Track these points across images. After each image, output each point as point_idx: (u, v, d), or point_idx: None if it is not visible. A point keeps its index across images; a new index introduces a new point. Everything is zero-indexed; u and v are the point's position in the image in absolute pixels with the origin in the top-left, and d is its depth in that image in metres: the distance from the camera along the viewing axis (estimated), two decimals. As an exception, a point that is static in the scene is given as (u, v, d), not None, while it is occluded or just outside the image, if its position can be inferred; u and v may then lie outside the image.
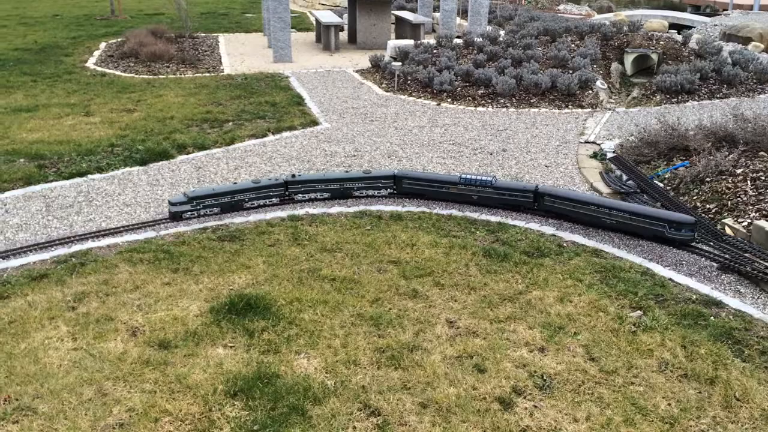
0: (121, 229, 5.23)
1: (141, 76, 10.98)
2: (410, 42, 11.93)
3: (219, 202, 5.43)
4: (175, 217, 5.35)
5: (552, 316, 4.02)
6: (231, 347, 3.72)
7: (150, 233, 5.18)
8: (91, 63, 11.92)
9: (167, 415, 3.17)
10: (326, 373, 3.51)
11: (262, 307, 4.07)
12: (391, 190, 5.89)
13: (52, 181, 6.23)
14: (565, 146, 7.43)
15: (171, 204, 5.35)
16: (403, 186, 5.85)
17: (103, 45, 13.68)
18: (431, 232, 5.22)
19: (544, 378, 3.46)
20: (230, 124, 8.13)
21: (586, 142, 7.54)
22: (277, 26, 11.93)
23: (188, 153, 7.08)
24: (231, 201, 5.47)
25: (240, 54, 12.96)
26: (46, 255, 4.80)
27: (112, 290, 4.30)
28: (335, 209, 5.71)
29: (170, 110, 8.63)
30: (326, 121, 8.31)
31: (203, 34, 15.11)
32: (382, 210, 5.69)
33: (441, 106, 9.10)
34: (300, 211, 5.64)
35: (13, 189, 6.03)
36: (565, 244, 5.03)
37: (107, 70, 11.34)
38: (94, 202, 5.76)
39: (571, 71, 9.61)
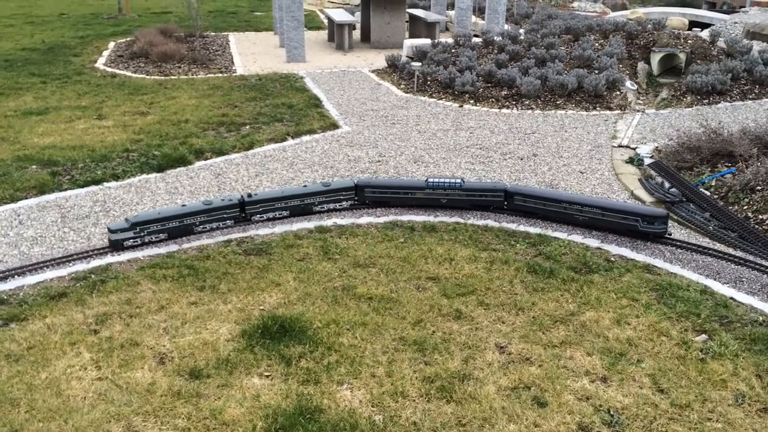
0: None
1: (152, 76, 10.70)
2: (427, 41, 11.63)
3: (166, 227, 4.92)
4: (116, 246, 4.78)
5: (611, 341, 3.73)
6: (267, 377, 3.44)
7: (172, 247, 4.90)
8: (100, 63, 11.66)
9: (204, 457, 2.90)
10: (372, 406, 3.23)
11: (297, 330, 3.79)
12: (353, 202, 5.58)
13: (66, 189, 5.96)
14: (598, 150, 7.13)
15: (111, 231, 4.78)
16: (365, 195, 5.57)
17: (112, 45, 13.41)
18: (469, 245, 4.94)
19: (611, 413, 3.18)
20: (247, 127, 7.85)
21: (620, 146, 7.24)
22: (291, 25, 11.64)
23: (206, 159, 6.81)
24: (180, 225, 4.97)
25: (252, 54, 12.68)
26: (63, 271, 4.53)
27: (135, 311, 4.03)
28: (364, 219, 5.43)
29: (185, 113, 8.36)
30: (346, 124, 8.02)
31: (213, 33, 14.83)
32: (414, 220, 5.41)
33: (464, 108, 8.81)
34: (327, 221, 5.36)
35: (27, 198, 5.76)
36: (613, 259, 4.74)
37: (118, 71, 11.08)
38: (111, 213, 5.49)
39: (597, 71, 9.30)
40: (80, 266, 4.60)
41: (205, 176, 6.33)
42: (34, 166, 6.47)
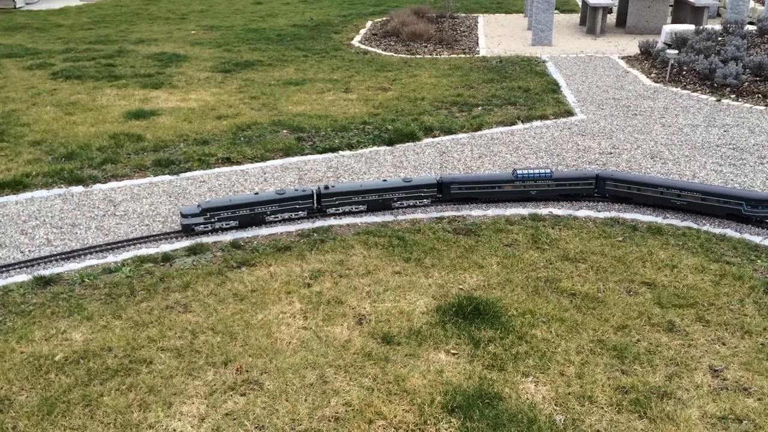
0: (361, 210, 5.26)
1: (399, 55, 11.21)
2: (690, 27, 10.56)
3: (237, 215, 4.91)
4: (187, 230, 4.86)
5: None
6: (454, 354, 3.47)
7: (388, 217, 5.14)
8: (356, 41, 12.49)
9: (381, 418, 3.03)
10: (555, 405, 3.10)
11: (491, 314, 3.76)
12: (434, 198, 5.30)
13: (307, 154, 6.54)
14: None
15: (183, 216, 4.85)
16: (451, 192, 5.28)
17: (369, 24, 14.28)
18: (697, 254, 4.45)
19: (843, 472, 2.68)
20: (479, 108, 7.88)
21: None
22: (541, 7, 11.35)
23: (434, 136, 6.98)
24: (251, 214, 4.94)
25: (498, 35, 12.63)
26: (292, 227, 5.00)
27: (345, 272, 4.31)
28: (583, 212, 5.17)
29: (422, 91, 8.64)
30: (582, 112, 7.65)
31: (463, 14, 15.05)
32: (638, 219, 5.02)
33: (721, 103, 7.87)
34: (543, 210, 5.20)
35: (274, 159, 6.43)
36: None
37: (369, 48, 11.78)
38: (341, 179, 5.91)
39: None
40: (306, 224, 5.04)
41: (430, 153, 6.50)
42: (284, 131, 7.20)
